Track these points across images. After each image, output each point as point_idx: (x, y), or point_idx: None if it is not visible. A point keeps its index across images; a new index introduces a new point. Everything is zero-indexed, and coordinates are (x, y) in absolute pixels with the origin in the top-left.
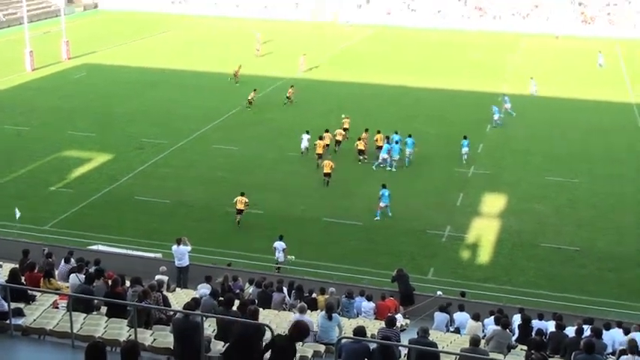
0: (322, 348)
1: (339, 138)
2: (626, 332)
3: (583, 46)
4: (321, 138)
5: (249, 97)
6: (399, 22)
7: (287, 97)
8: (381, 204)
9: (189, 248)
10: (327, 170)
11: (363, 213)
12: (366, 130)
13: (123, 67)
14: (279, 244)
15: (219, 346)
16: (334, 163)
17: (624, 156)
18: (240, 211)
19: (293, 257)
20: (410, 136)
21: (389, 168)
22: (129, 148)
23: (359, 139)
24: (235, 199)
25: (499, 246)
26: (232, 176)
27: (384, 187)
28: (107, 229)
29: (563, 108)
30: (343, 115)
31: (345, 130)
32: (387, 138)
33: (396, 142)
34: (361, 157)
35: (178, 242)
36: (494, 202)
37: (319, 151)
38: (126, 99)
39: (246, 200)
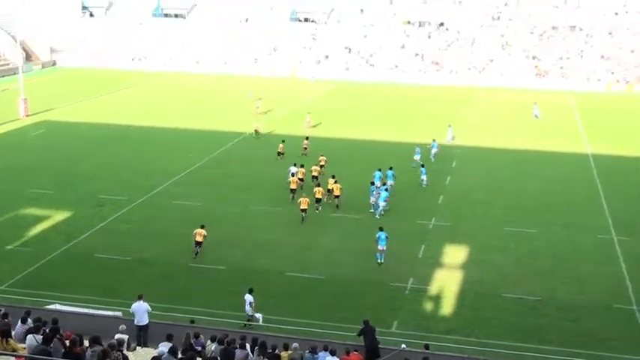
0: None
1: (314, 174)
2: None
3: (537, 98)
4: (293, 175)
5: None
6: (357, 77)
7: (279, 153)
8: (379, 247)
9: (148, 307)
10: (303, 206)
11: (325, 266)
12: (333, 177)
13: (82, 124)
14: (248, 297)
15: None
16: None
17: (581, 206)
18: (198, 244)
19: (260, 317)
20: (391, 168)
21: (376, 214)
22: (88, 205)
23: (318, 186)
24: (195, 232)
25: (461, 297)
26: (193, 232)
27: (380, 229)
28: (66, 287)
29: (522, 159)
30: (321, 153)
31: (321, 166)
32: (372, 183)
33: (386, 190)
34: (318, 205)
35: (140, 297)
36: (455, 254)
37: (293, 186)
38: (85, 156)
39: (205, 233)
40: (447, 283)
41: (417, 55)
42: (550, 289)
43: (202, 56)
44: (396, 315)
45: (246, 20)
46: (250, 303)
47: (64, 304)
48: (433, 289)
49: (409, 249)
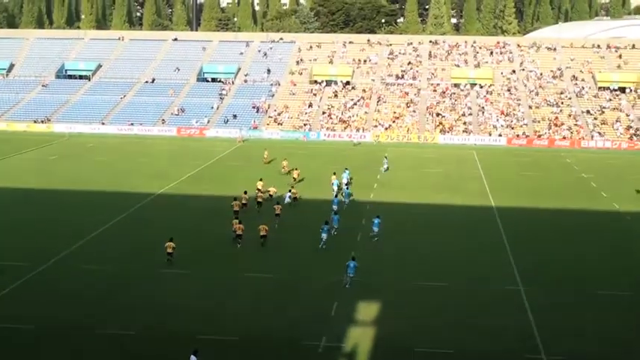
0: None
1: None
2: None
3: (441, 152)
4: (235, 199)
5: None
6: (266, 135)
7: (285, 170)
8: (349, 274)
9: None
10: (263, 233)
11: (237, 325)
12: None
13: None
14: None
15: None
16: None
17: (488, 258)
18: (170, 254)
19: None
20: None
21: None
22: None
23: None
24: (166, 244)
25: (375, 353)
26: (99, 295)
27: (353, 259)
28: None
29: (429, 212)
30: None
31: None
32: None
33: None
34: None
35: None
36: (367, 309)
37: (236, 208)
38: None
39: (174, 245)
40: (360, 339)
41: (324, 113)
42: (461, 342)
43: (108, 117)
44: None
45: (153, 80)
46: None
47: None
48: (347, 346)
49: (321, 306)
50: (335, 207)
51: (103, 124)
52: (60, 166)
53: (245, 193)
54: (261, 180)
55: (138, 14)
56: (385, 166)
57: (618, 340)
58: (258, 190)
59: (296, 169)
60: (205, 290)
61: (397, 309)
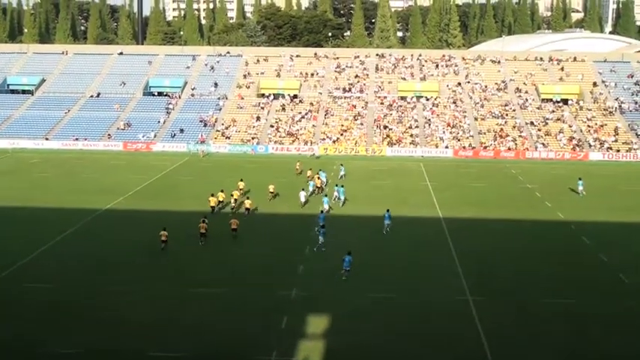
0: None
1: (236, 197)
2: None
3: (389, 165)
4: (213, 195)
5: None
6: (214, 149)
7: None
8: (345, 268)
9: None
10: (233, 227)
11: (186, 340)
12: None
13: None
14: None
15: None
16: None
17: (438, 268)
18: (164, 242)
19: None
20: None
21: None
22: None
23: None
24: (161, 233)
25: None
26: (39, 313)
27: (349, 254)
28: None
29: (380, 224)
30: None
31: (240, 189)
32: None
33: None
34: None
35: None
36: (318, 323)
37: (212, 204)
38: None
39: (167, 233)
40: (311, 353)
41: (272, 126)
42: (411, 354)
43: (52, 132)
44: None
45: (98, 95)
46: None
47: None
48: None
49: (272, 320)
50: (321, 222)
51: (47, 139)
52: (1, 182)
53: (222, 191)
54: (241, 180)
55: (82, 28)
56: (342, 173)
57: (564, 349)
58: (235, 197)
59: (248, 199)
60: (153, 306)
61: (347, 322)
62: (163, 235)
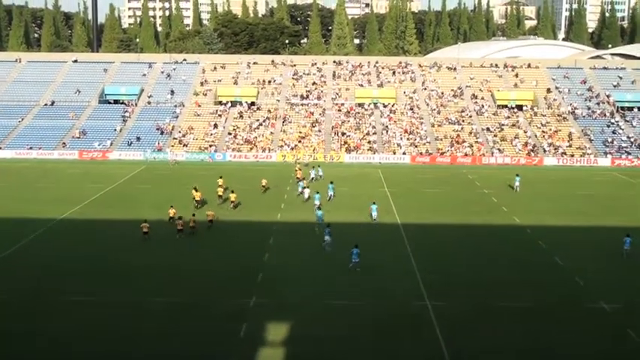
0: None
1: (220, 193)
2: None
3: (347, 171)
4: (196, 189)
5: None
6: (170, 157)
7: (219, 196)
8: (354, 260)
9: None
10: (210, 218)
11: (146, 350)
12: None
13: None
14: None
15: None
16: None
17: (396, 274)
18: (145, 233)
19: None
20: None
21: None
22: None
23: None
24: (142, 225)
25: None
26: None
27: (356, 247)
28: None
29: (338, 230)
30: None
31: (220, 186)
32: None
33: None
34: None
35: None
36: (277, 330)
37: (197, 198)
38: None
39: (175, 211)
40: None
41: (229, 134)
42: (369, 358)
43: (5, 141)
44: None
45: (52, 103)
46: None
47: None
48: None
49: (230, 328)
50: (321, 220)
51: (0, 148)
52: None
53: (172, 207)
54: (221, 177)
55: (36, 35)
56: (319, 174)
57: (522, 350)
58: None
59: (232, 192)
60: (111, 315)
61: (306, 328)
62: (145, 227)
